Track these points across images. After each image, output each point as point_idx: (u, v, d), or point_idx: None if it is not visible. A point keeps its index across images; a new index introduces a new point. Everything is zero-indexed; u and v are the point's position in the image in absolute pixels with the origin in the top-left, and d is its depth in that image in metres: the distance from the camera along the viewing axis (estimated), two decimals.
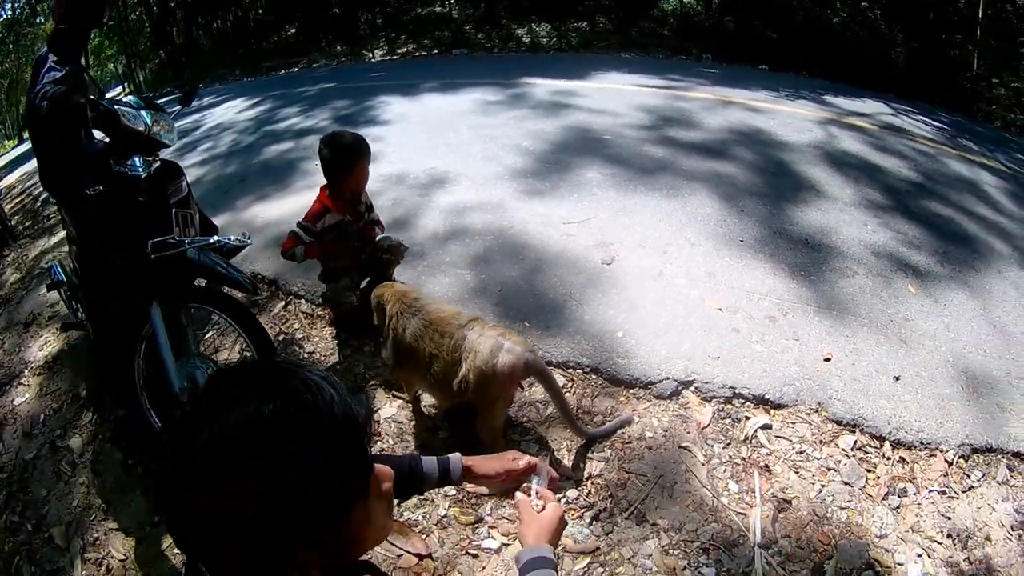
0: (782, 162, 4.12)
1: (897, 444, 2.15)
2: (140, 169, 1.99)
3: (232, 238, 2.14)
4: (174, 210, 2.05)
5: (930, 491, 2.04)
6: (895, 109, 6.03)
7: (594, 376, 2.30)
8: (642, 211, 3.39)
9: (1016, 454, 2.18)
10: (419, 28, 10.51)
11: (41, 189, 5.42)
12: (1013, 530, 1.96)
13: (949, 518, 1.97)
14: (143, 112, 2.00)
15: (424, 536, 1.84)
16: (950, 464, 2.13)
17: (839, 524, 1.90)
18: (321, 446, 0.60)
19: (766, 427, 2.15)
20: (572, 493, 1.91)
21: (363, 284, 2.56)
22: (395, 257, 2.59)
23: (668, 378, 2.26)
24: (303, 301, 2.98)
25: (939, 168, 4.31)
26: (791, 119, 5.12)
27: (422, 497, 1.92)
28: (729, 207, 3.44)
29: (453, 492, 1.93)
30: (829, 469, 2.06)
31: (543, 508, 1.06)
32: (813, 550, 1.82)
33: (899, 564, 1.81)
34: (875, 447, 2.15)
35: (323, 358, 2.61)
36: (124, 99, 2.08)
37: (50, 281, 2.66)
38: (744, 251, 3.02)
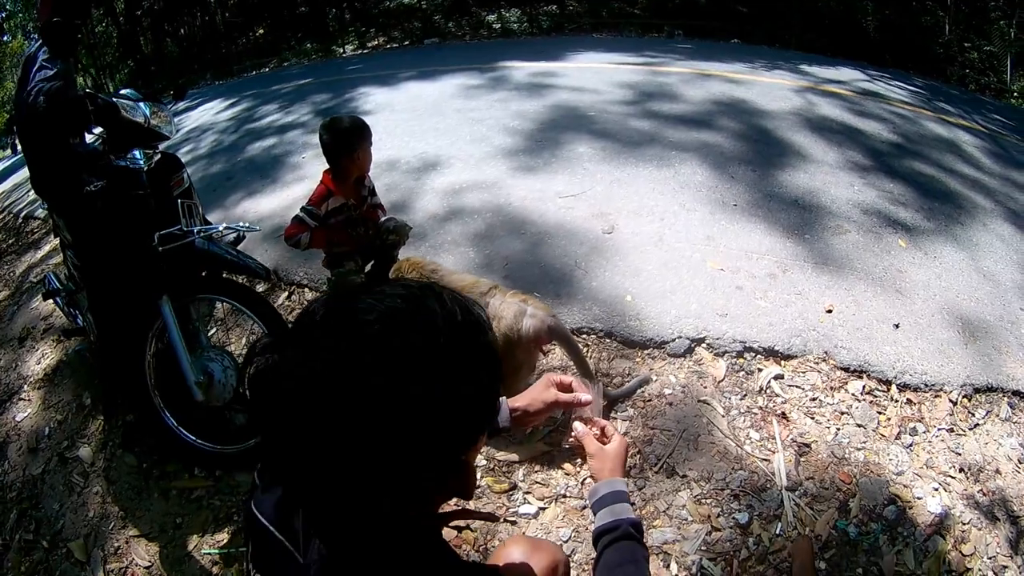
0: (765, 130, 4.24)
1: (903, 387, 2.27)
2: (141, 162, 1.98)
3: (242, 224, 2.18)
4: (179, 201, 2.04)
5: (939, 430, 2.16)
6: (870, 75, 6.24)
7: (608, 339, 2.36)
8: (635, 181, 3.46)
9: (1016, 392, 2.31)
10: (389, 20, 10.58)
11: (22, 204, 5.28)
12: (1020, 463, 2.09)
13: (959, 454, 2.09)
14: (142, 104, 1.99)
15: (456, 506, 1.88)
16: (955, 404, 2.26)
17: (858, 464, 2.00)
18: (481, 358, 0.59)
19: (778, 377, 2.25)
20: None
21: (367, 267, 2.58)
22: (400, 238, 2.60)
23: (680, 336, 2.34)
24: (307, 290, 2.98)
25: (918, 130, 4.50)
26: (770, 88, 5.26)
27: None
28: (719, 174, 3.53)
29: (484, 463, 1.97)
30: (842, 413, 2.16)
31: (601, 437, 1.08)
32: (837, 489, 1.92)
33: (918, 499, 1.92)
34: (883, 391, 2.26)
35: None
36: (121, 91, 2.04)
37: (45, 290, 2.59)
38: (739, 214, 3.12)
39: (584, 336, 2.38)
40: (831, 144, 4.00)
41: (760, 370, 2.27)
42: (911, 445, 2.10)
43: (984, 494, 1.98)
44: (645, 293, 2.54)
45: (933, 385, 2.30)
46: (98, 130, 2.02)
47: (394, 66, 6.86)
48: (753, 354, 2.31)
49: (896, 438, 2.11)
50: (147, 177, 1.98)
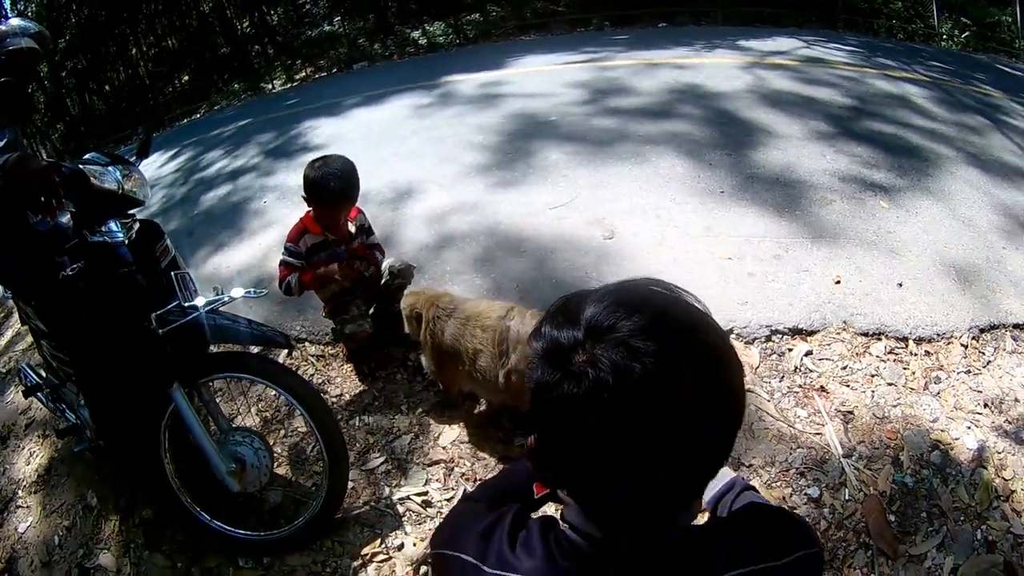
0: (726, 111, 4.47)
1: (919, 340, 2.48)
2: (120, 235, 1.79)
3: (252, 290, 2.07)
4: (172, 273, 1.89)
5: (958, 373, 2.37)
6: (806, 41, 6.64)
7: None
8: (619, 182, 3.60)
9: (1016, 325, 2.56)
10: (313, 50, 10.58)
11: None
12: None
13: (980, 391, 2.31)
14: (111, 168, 1.79)
15: None
16: (966, 347, 2.48)
17: (897, 420, 2.18)
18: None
19: (808, 353, 2.41)
20: None
21: (371, 311, 2.60)
22: (405, 281, 2.64)
23: None
24: (307, 344, 2.96)
25: (867, 89, 4.84)
26: (717, 69, 5.53)
27: None
28: (697, 163, 3.72)
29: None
30: (873, 376, 2.35)
31: None
32: (886, 447, 2.09)
33: (956, 439, 2.11)
34: (902, 348, 2.46)
35: (354, 398, 2.58)
36: (85, 157, 1.84)
37: (24, 387, 2.44)
38: (728, 200, 3.30)
39: None
40: (792, 116, 4.27)
41: (790, 350, 2.43)
42: (938, 392, 2.30)
43: (1009, 423, 2.19)
44: None
45: (944, 334, 2.51)
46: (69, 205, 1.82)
47: (333, 95, 6.83)
48: (780, 336, 2.47)
49: (924, 389, 2.31)
50: (129, 250, 1.80)
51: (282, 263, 2.42)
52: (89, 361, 1.90)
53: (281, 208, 4.08)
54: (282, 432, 2.47)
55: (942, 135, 4.05)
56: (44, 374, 2.39)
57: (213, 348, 2.11)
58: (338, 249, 2.47)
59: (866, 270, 2.78)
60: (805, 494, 1.95)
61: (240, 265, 3.56)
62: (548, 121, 4.68)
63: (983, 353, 2.48)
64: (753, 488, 1.12)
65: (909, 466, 2.03)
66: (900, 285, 2.70)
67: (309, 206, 2.40)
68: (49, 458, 2.77)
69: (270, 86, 9.80)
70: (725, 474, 1.17)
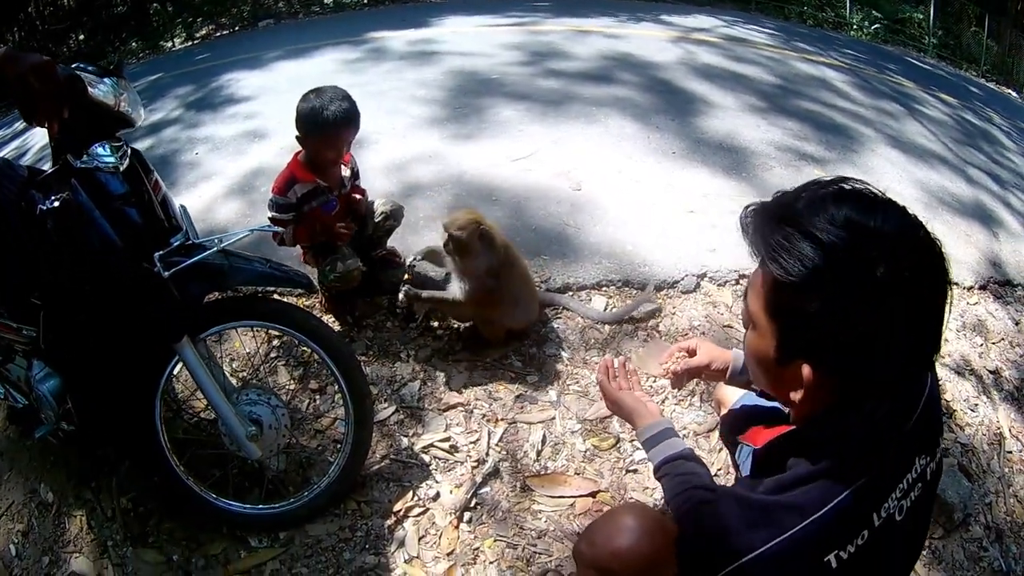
0: (664, 80, 4.95)
1: None
2: (112, 160, 1.58)
3: (268, 224, 2.00)
4: (180, 205, 1.75)
5: None
6: (726, 21, 7.37)
7: (627, 288, 2.79)
8: (575, 139, 3.91)
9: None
10: (215, 8, 10.09)
11: None
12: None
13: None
14: (107, 80, 1.56)
15: (579, 475, 2.12)
16: None
17: None
18: None
19: None
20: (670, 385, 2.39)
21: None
22: (396, 221, 2.67)
23: (687, 275, 2.85)
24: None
25: (791, 70, 5.55)
26: (647, 41, 6.04)
27: (553, 447, 2.19)
28: (645, 125, 4.12)
29: (579, 426, 2.24)
30: None
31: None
32: None
33: None
34: None
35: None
36: (73, 66, 1.55)
37: None
38: (681, 160, 3.72)
39: (605, 288, 2.78)
40: (725, 90, 4.82)
41: None
42: None
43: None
44: (641, 241, 3.00)
45: None
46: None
47: (249, 50, 6.50)
48: (746, 279, 2.91)
49: None
50: (122, 180, 1.60)
51: (272, 220, 2.34)
52: (72, 321, 1.66)
53: (217, 159, 3.92)
54: (275, 380, 2.42)
55: (863, 117, 4.80)
56: None
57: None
58: (331, 196, 2.42)
59: None
60: None
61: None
62: (491, 79, 4.87)
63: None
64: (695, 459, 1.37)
65: None
66: None
67: (305, 144, 2.32)
68: None
69: (170, 44, 9.35)
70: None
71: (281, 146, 3.87)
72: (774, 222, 0.91)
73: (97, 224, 1.55)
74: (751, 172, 3.70)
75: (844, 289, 0.84)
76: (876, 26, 9.17)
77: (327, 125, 2.22)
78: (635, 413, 1.43)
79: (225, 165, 3.82)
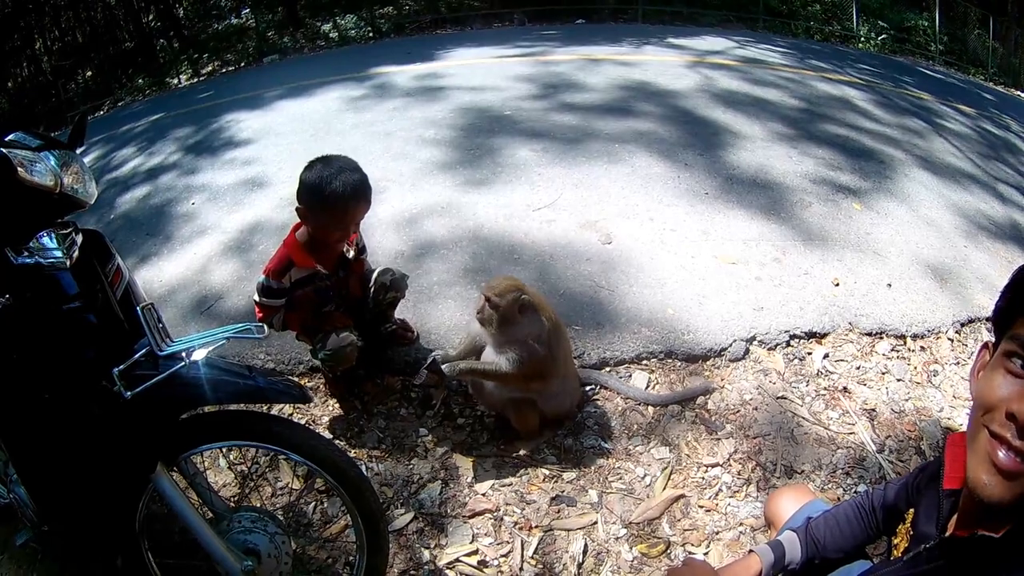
0: (685, 110, 4.72)
1: (915, 337, 2.78)
2: (58, 253, 1.33)
3: (252, 326, 1.53)
4: (138, 308, 1.41)
5: (950, 365, 2.70)
6: (737, 41, 7.16)
7: (670, 360, 2.55)
8: (599, 182, 3.68)
9: (988, 319, 2.94)
10: (220, 44, 10.17)
11: None
12: None
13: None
14: (47, 155, 1.32)
15: None
16: (952, 341, 2.82)
17: (911, 413, 2.44)
18: None
19: (826, 356, 2.62)
20: (727, 478, 2.15)
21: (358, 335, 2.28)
22: (399, 294, 2.41)
23: (735, 340, 2.60)
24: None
25: (812, 92, 5.31)
26: (662, 67, 5.81)
27: (596, 556, 1.94)
28: (673, 163, 3.89)
29: (624, 531, 2.00)
30: (883, 373, 2.60)
31: None
32: (908, 439, 2.33)
33: (960, 424, 2.40)
34: (902, 345, 2.74)
35: (352, 442, 2.30)
36: (7, 138, 1.32)
37: None
38: (715, 203, 3.48)
39: (646, 361, 2.54)
40: (750, 117, 4.59)
41: (809, 353, 2.62)
42: (939, 384, 2.60)
43: None
44: (681, 303, 2.77)
45: (933, 330, 2.83)
46: None
47: (251, 87, 6.40)
48: (798, 340, 2.66)
49: (928, 382, 2.60)
50: (73, 277, 1.35)
51: (260, 304, 2.12)
52: (23, 438, 1.43)
53: (213, 211, 3.74)
54: (270, 491, 2.16)
55: (890, 138, 4.55)
56: None
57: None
58: (326, 283, 2.16)
59: (857, 272, 3.05)
60: (855, 491, 2.12)
61: (175, 279, 3.21)
62: (503, 116, 4.68)
63: (966, 345, 2.82)
64: None
65: (930, 454, 2.28)
66: (889, 286, 3.00)
67: (307, 219, 2.05)
68: None
69: (176, 81, 9.43)
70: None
71: (280, 196, 3.72)
72: None
73: (44, 336, 1.31)
74: (789, 211, 3.45)
75: None
76: (883, 36, 8.96)
77: (335, 198, 1.94)
78: None
79: (221, 218, 3.64)
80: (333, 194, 1.93)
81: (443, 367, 2.06)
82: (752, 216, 3.37)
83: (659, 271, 2.95)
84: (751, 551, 1.32)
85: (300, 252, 2.08)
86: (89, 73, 10.90)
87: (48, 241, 1.33)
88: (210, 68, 9.72)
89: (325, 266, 2.15)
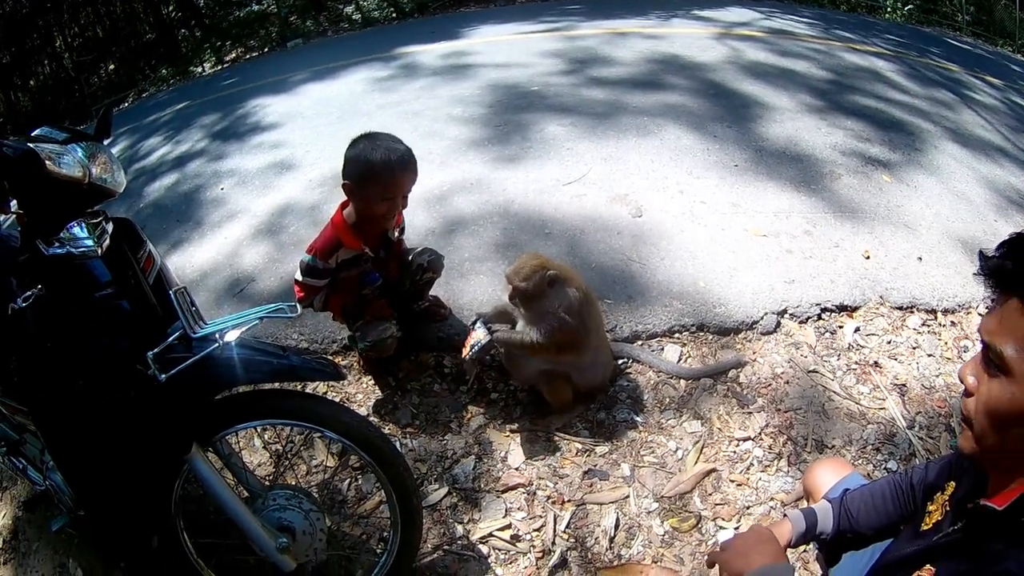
0: (714, 82, 4.61)
1: (945, 312, 2.74)
2: (90, 242, 1.34)
3: (285, 306, 1.51)
4: (171, 292, 1.43)
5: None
6: (763, 12, 6.92)
7: (703, 333, 2.55)
8: (629, 155, 3.64)
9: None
10: (243, 31, 10.08)
11: None
12: None
13: None
14: (72, 147, 1.32)
15: (657, 563, 1.91)
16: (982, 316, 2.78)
17: (942, 388, 2.42)
18: None
19: (857, 330, 2.60)
20: (758, 452, 2.16)
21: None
22: (436, 273, 2.41)
23: (767, 313, 2.60)
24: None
25: (839, 62, 5.16)
26: (689, 40, 5.67)
27: (628, 530, 1.98)
28: (702, 135, 3.83)
29: (656, 505, 2.02)
30: (914, 348, 2.57)
31: None
32: (939, 416, 2.32)
33: None
34: (933, 319, 2.71)
35: (387, 418, 2.35)
36: (34, 132, 1.37)
37: None
38: (745, 175, 3.43)
39: (678, 335, 2.55)
40: (779, 89, 4.48)
41: (840, 327, 2.61)
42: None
43: None
44: (713, 276, 2.76)
45: (963, 304, 2.79)
46: (13, 204, 1.30)
47: (276, 72, 6.34)
48: (829, 313, 2.65)
49: (958, 357, 2.56)
50: (105, 265, 1.36)
51: (302, 284, 2.09)
52: (59, 426, 1.45)
53: (243, 195, 3.77)
54: (305, 469, 2.21)
55: (919, 110, 4.41)
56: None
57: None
58: (370, 267, 2.15)
59: (888, 244, 3.01)
60: (885, 468, 2.13)
61: (206, 264, 3.23)
62: (531, 91, 4.61)
63: None
64: None
65: (960, 431, 2.26)
66: (920, 259, 2.95)
67: (353, 195, 2.02)
68: (13, 518, 2.29)
69: (200, 69, 9.39)
70: None
71: (309, 178, 3.75)
72: None
73: (77, 324, 1.33)
74: (820, 183, 3.39)
75: None
76: (909, 6, 8.63)
77: (383, 166, 1.92)
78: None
79: (251, 201, 3.67)
80: (381, 161, 1.91)
81: (489, 327, 2.10)
82: (782, 188, 3.32)
83: (690, 244, 2.93)
84: (784, 515, 1.34)
85: (349, 233, 2.06)
86: (112, 67, 10.85)
87: (79, 231, 1.34)
88: (233, 55, 9.63)
89: (369, 246, 2.13)
